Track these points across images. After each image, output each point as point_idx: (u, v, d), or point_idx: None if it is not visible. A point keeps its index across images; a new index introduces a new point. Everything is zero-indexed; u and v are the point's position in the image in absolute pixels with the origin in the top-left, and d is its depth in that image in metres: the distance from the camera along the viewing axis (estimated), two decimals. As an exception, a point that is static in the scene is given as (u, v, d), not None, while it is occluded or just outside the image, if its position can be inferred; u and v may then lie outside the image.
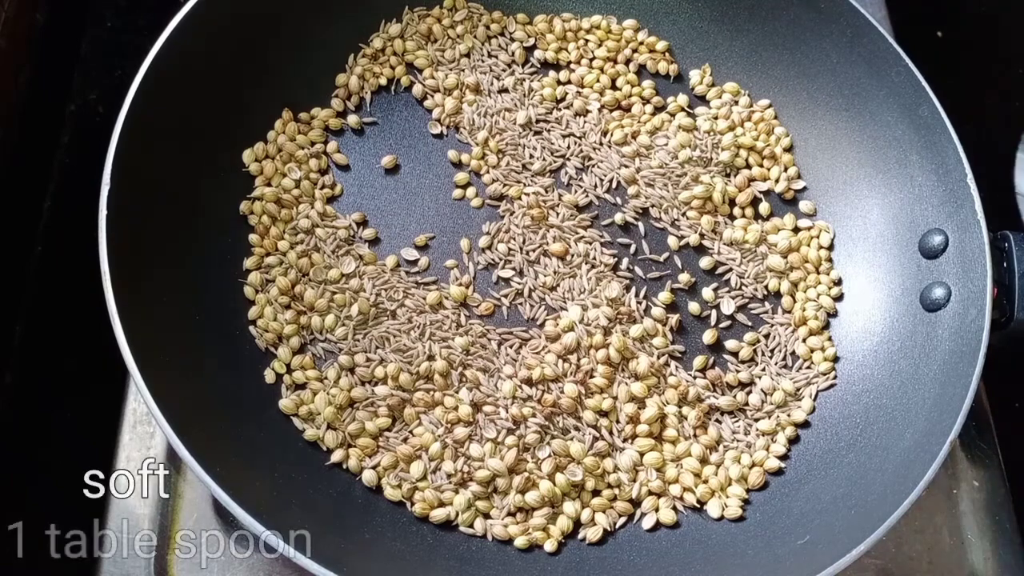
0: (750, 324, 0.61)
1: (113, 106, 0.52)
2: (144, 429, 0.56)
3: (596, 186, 0.63)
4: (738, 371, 0.59)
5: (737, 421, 0.57)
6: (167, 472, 0.55)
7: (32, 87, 0.64)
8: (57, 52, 0.68)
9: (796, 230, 0.63)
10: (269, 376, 0.55)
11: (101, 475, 0.54)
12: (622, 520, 0.54)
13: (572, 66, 0.67)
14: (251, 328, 0.56)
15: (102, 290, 0.48)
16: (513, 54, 0.66)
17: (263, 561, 0.53)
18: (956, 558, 0.58)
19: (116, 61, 0.67)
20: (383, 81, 0.65)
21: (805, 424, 0.58)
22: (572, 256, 0.60)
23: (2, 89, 0.62)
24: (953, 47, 0.81)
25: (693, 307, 0.60)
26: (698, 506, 0.55)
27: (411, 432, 0.54)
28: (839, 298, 0.62)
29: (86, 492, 0.55)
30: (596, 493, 0.54)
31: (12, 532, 0.54)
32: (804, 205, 0.64)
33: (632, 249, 0.61)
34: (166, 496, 0.55)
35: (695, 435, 0.56)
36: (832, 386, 0.59)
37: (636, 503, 0.54)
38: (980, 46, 0.80)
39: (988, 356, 0.53)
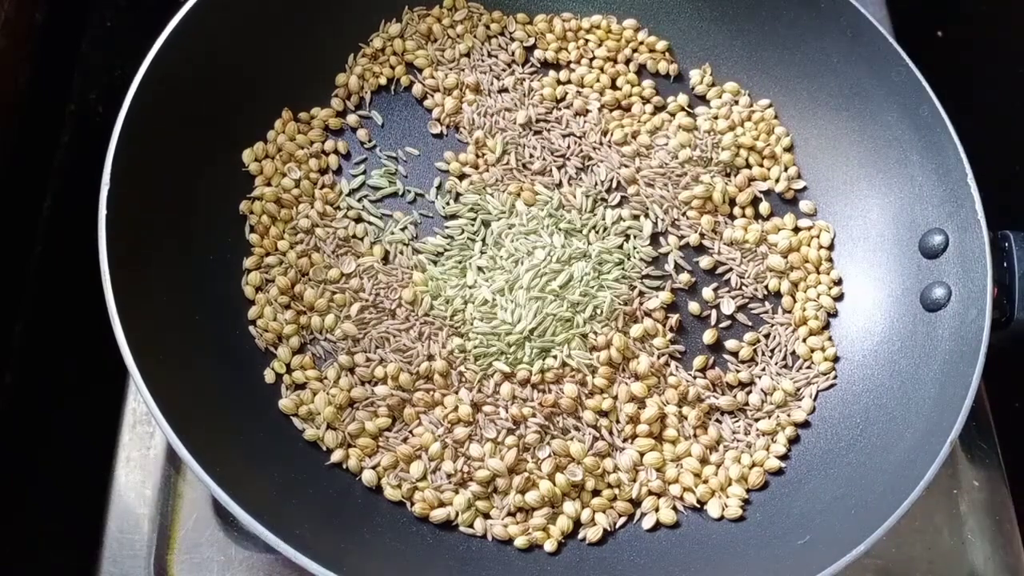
0: (750, 324, 0.61)
1: (113, 106, 0.52)
2: (144, 429, 0.56)
3: (596, 186, 0.63)
4: (738, 371, 0.59)
5: (737, 421, 0.57)
6: (167, 472, 0.55)
7: (32, 87, 0.64)
8: (57, 52, 0.67)
9: (796, 230, 0.63)
10: (269, 376, 0.55)
11: (101, 475, 0.54)
12: (622, 520, 0.54)
13: (572, 66, 0.67)
14: (251, 328, 0.56)
15: (102, 290, 0.48)
16: (513, 54, 0.66)
17: (263, 561, 0.53)
18: (956, 558, 0.58)
19: (116, 61, 0.66)
20: (383, 81, 0.65)
21: (805, 424, 0.58)
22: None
23: (2, 89, 0.61)
24: (953, 47, 0.81)
25: (693, 307, 0.60)
26: (698, 506, 0.55)
27: (411, 432, 0.54)
28: (839, 298, 0.62)
29: (86, 492, 0.55)
30: (596, 493, 0.54)
31: (12, 532, 0.55)
32: (804, 205, 0.64)
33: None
34: (166, 496, 0.55)
35: (695, 435, 0.56)
36: (832, 386, 0.59)
37: (636, 503, 0.54)
38: (980, 46, 0.80)
39: (988, 356, 0.53)
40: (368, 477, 0.53)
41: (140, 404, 0.56)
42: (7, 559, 0.54)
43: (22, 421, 0.58)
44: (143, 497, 0.55)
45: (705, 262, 0.62)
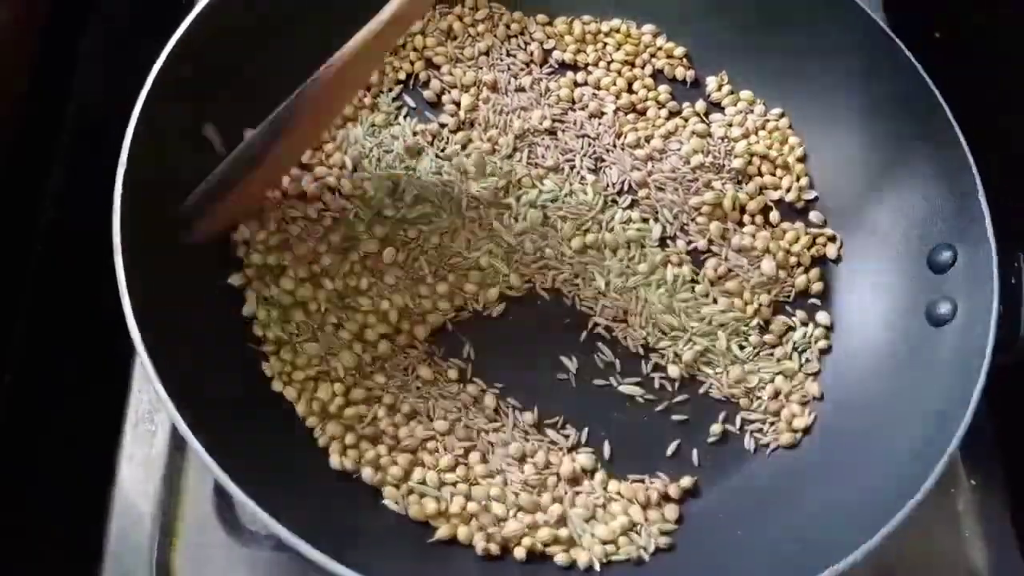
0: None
1: (113, 106, 0.51)
2: (145, 428, 0.56)
3: (608, 188, 0.62)
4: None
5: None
6: (170, 470, 0.55)
7: (32, 87, 0.63)
8: (57, 52, 0.66)
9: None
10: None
11: (103, 473, 0.54)
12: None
13: (590, 68, 0.66)
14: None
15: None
16: (532, 54, 0.65)
17: (264, 558, 0.53)
18: (956, 558, 0.59)
19: (117, 61, 0.65)
20: (402, 76, 0.64)
21: (802, 432, 0.58)
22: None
23: (2, 89, 0.61)
24: (952, 48, 0.81)
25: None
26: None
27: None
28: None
29: (88, 491, 0.54)
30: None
31: (13, 531, 0.54)
32: (814, 215, 0.64)
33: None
34: (168, 494, 0.54)
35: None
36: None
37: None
38: (980, 47, 0.80)
39: (991, 374, 0.52)
40: (368, 475, 0.52)
41: (142, 403, 0.56)
42: (8, 559, 0.53)
43: (22, 420, 0.57)
44: (146, 496, 0.54)
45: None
